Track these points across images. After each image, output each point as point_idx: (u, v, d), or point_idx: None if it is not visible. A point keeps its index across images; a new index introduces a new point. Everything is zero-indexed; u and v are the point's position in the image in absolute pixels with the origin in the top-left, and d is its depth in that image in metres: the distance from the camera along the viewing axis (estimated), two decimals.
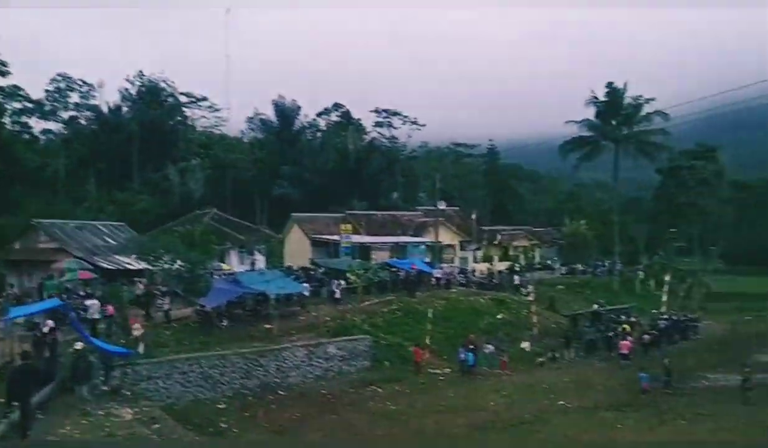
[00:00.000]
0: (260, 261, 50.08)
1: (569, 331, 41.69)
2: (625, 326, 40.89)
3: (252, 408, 25.44)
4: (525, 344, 37.86)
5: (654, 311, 49.41)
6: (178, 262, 32.36)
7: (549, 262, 65.56)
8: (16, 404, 14.59)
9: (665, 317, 46.05)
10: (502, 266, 60.54)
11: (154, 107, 76.15)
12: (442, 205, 56.38)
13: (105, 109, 77.86)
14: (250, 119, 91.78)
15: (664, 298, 52.14)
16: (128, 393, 21.93)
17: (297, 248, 56.94)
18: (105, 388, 21.93)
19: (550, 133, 74.16)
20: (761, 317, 55.90)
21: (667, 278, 57.48)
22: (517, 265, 63.08)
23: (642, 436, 21.55)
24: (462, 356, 32.60)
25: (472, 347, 33.73)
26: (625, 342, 36.42)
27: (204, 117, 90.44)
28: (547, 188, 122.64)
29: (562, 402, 26.59)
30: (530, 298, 43.93)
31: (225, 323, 32.37)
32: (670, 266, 64.14)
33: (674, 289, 58.05)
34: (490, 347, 35.31)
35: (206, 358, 27.20)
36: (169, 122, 78.26)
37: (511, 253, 67.61)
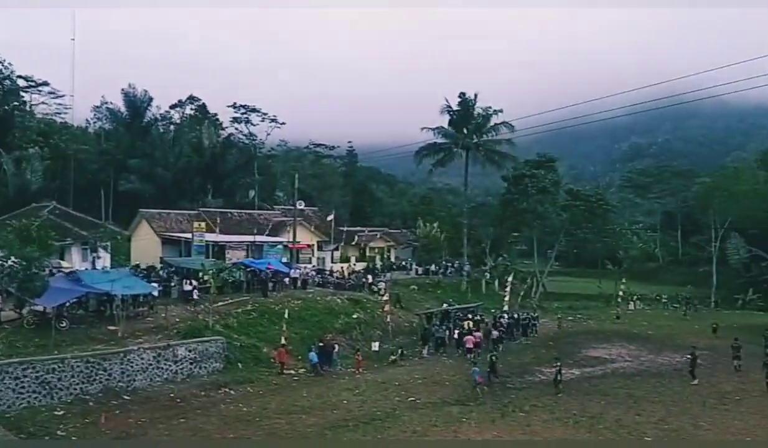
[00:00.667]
0: (105, 259, 47.15)
1: (425, 329, 43.29)
2: (468, 323, 43.27)
3: (93, 414, 24.03)
4: (375, 344, 38.70)
5: (494, 310, 52.42)
6: (12, 258, 29.69)
7: (404, 263, 67.53)
8: None
9: (507, 315, 49.11)
10: (359, 266, 61.51)
11: None
12: (300, 205, 56.22)
13: None
14: (96, 108, 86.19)
15: (507, 297, 55.68)
16: None
17: (146, 246, 54.32)
18: None
19: (407, 139, 76.45)
20: (590, 315, 61.38)
21: (509, 278, 61.49)
22: (376, 265, 64.53)
23: (484, 428, 22.88)
24: (310, 355, 33.13)
25: (321, 344, 34.23)
26: (469, 337, 39.02)
27: (44, 103, 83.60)
28: (403, 192, 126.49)
29: (412, 398, 27.60)
30: (384, 297, 45.06)
31: (65, 324, 30.24)
32: (512, 267, 68.51)
33: (516, 289, 62.12)
34: (337, 347, 35.86)
35: (42, 362, 25.30)
36: (3, 107, 71.53)
37: (368, 254, 68.93)
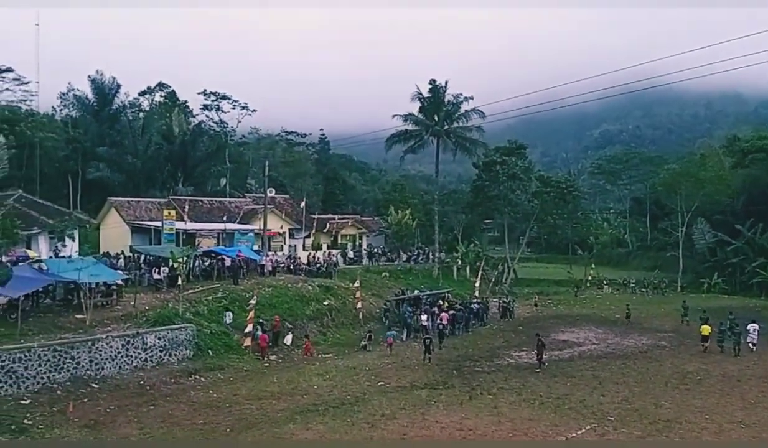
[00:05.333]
0: (72, 248, 46.51)
1: (397, 315, 43.75)
2: (441, 302, 45.41)
3: (61, 403, 23.89)
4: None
5: (467, 295, 53.10)
6: None
7: (376, 249, 67.70)
8: None
9: (477, 300, 49.83)
10: (332, 253, 61.48)
11: None
12: (271, 193, 55.96)
13: None
14: (63, 95, 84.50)
15: (477, 283, 56.34)
16: None
17: (115, 234, 53.66)
18: None
19: (379, 126, 76.35)
20: (559, 300, 62.37)
21: (480, 265, 62.16)
22: (349, 252, 64.62)
23: (452, 410, 23.26)
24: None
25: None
26: (444, 314, 41.35)
27: (9, 90, 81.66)
28: (375, 179, 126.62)
29: (381, 383, 27.90)
30: (356, 284, 45.26)
31: (15, 316, 29.61)
32: (484, 254, 69.13)
33: (487, 275, 62.78)
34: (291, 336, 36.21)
35: (7, 351, 25.00)
36: None
37: (339, 241, 68.97)
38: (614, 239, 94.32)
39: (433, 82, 65.09)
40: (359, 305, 43.77)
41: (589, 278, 74.89)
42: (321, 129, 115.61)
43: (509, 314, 49.76)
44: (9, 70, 78.55)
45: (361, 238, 71.93)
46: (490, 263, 70.86)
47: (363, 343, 37.04)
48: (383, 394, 25.90)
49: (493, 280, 65.37)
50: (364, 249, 67.88)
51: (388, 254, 66.68)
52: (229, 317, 35.59)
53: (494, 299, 54.96)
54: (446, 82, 65.17)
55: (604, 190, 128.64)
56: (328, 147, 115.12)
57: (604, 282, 73.41)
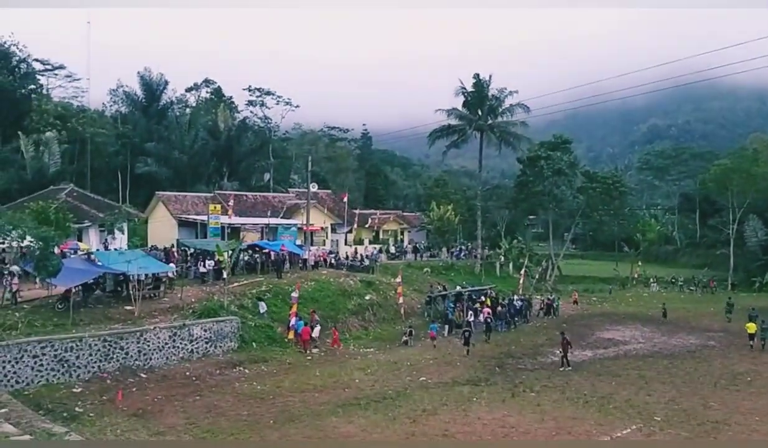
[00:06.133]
0: (121, 240, 47.74)
1: (438, 312, 43.70)
2: (484, 299, 45.34)
3: (110, 392, 24.51)
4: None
5: (510, 292, 52.61)
6: (28, 238, 30.13)
7: (417, 245, 67.54)
8: None
9: (519, 297, 49.35)
10: (372, 248, 61.68)
11: (3, 73, 69.92)
12: (314, 188, 56.39)
13: None
14: (113, 91, 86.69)
15: (521, 280, 55.75)
16: None
17: (162, 228, 54.92)
18: None
19: (422, 121, 76.14)
20: (605, 298, 61.28)
21: (524, 261, 61.48)
22: (390, 247, 64.72)
23: (494, 407, 23.09)
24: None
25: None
26: (486, 309, 41.88)
27: (61, 86, 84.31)
28: (417, 174, 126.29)
29: (423, 378, 27.86)
30: (397, 279, 45.26)
31: (63, 306, 30.50)
32: (527, 250, 68.32)
33: (530, 272, 62.06)
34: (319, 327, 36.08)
35: (60, 340, 25.84)
36: (20, 90, 72.25)
37: (381, 236, 69.07)
38: (662, 236, 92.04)
39: (476, 76, 64.60)
40: (400, 301, 43.77)
41: (636, 275, 73.36)
42: (363, 124, 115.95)
43: (553, 311, 49.19)
44: (61, 67, 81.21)
45: (402, 233, 71.94)
46: (534, 259, 69.94)
47: (404, 338, 37.00)
48: (425, 389, 25.88)
49: (536, 277, 64.58)
50: (406, 245, 67.85)
51: (431, 249, 66.52)
52: (262, 307, 35.92)
53: (537, 296, 54.32)
54: (490, 77, 64.66)
55: (652, 186, 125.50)
56: (371, 142, 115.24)
57: (652, 280, 71.83)
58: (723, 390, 26.10)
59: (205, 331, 31.10)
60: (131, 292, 32.29)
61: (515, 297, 49.07)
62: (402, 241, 70.05)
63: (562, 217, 78.91)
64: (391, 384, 26.68)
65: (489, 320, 40.13)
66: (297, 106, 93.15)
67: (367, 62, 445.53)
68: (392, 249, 64.44)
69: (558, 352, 32.06)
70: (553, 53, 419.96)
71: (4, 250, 34.66)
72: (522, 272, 57.82)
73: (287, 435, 20.03)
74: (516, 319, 44.58)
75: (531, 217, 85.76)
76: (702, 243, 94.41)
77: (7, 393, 20.54)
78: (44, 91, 79.25)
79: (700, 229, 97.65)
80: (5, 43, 71.59)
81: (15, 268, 31.87)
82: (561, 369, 29.92)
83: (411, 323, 40.41)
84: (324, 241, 60.75)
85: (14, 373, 24.25)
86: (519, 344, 37.20)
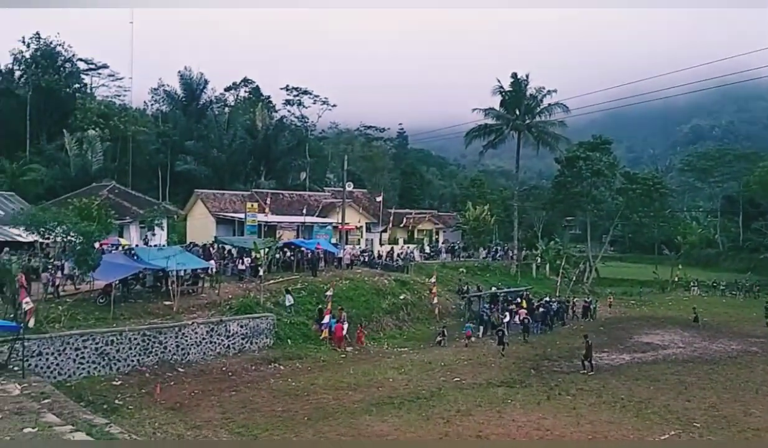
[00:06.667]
0: (161, 237, 48.63)
1: (473, 312, 43.46)
2: (520, 301, 44.64)
3: (149, 385, 25.02)
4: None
5: (546, 294, 51.96)
6: (71, 234, 30.91)
7: (454, 245, 67.27)
8: None
9: (555, 300, 48.74)
10: (407, 248, 61.62)
11: (49, 73, 71.86)
12: (349, 187, 56.60)
13: None
14: (154, 90, 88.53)
15: (558, 282, 55.07)
16: (16, 369, 20.96)
17: (200, 225, 55.76)
18: None
19: (459, 121, 75.91)
20: (644, 301, 60.14)
21: (561, 263, 60.66)
22: (425, 247, 64.57)
23: (529, 410, 22.87)
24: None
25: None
26: (522, 310, 41.50)
27: (104, 85, 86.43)
28: (453, 174, 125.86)
29: (457, 379, 27.74)
30: (432, 279, 45.14)
31: (104, 300, 31.07)
32: (564, 252, 67.39)
33: (567, 274, 61.27)
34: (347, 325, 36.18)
35: (101, 334, 26.47)
36: (65, 89, 74.18)
37: (416, 236, 68.95)
38: (704, 239, 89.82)
39: (514, 75, 64.10)
40: (435, 301, 43.65)
41: (676, 279, 71.82)
42: (400, 123, 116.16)
43: (590, 314, 48.50)
44: (104, 66, 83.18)
45: (437, 233, 71.74)
46: (571, 261, 68.94)
47: (438, 338, 36.88)
48: (459, 390, 25.75)
49: (573, 279, 63.69)
50: (442, 245, 67.62)
51: (468, 250, 66.18)
52: (289, 300, 36.09)
53: (575, 299, 53.56)
54: (527, 76, 64.10)
55: (694, 188, 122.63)
56: (407, 142, 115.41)
57: (692, 284, 70.27)
58: (765, 397, 25.40)
59: (242, 327, 31.49)
60: (170, 287, 32.87)
61: (551, 299, 48.47)
62: (437, 241, 69.84)
63: (601, 219, 77.59)
64: (425, 384, 26.61)
65: (527, 320, 39.83)
66: (334, 106, 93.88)
67: (406, 61, 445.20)
68: (427, 249, 64.27)
69: (581, 356, 31.38)
70: (595, 53, 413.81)
71: (48, 245, 35.63)
72: (559, 273, 57.09)
73: (321, 432, 20.15)
74: (552, 321, 44.10)
75: (569, 218, 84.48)
76: (745, 247, 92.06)
77: (50, 384, 21.05)
78: (88, 90, 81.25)
79: (744, 232, 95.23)
80: (51, 43, 73.55)
81: (68, 264, 32.59)
82: (582, 372, 29.45)
83: (445, 324, 40.27)
84: (359, 240, 60.91)
85: (57, 364, 24.93)
86: (555, 346, 36.75)
